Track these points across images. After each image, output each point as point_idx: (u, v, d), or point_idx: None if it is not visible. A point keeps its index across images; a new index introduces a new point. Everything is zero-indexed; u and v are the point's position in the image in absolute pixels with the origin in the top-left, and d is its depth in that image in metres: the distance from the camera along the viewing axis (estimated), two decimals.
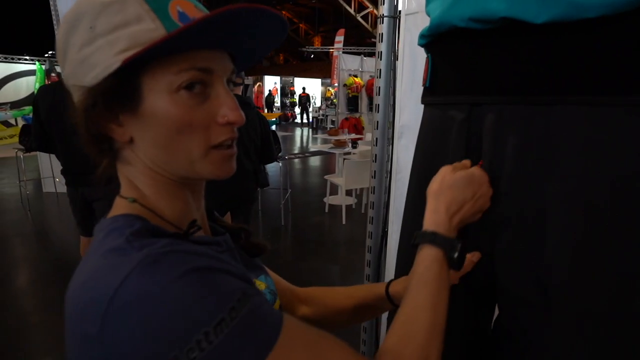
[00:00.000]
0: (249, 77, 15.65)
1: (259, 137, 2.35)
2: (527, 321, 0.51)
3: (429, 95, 0.64)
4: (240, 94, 2.31)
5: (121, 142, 0.41)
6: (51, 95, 1.97)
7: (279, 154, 4.10)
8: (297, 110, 16.36)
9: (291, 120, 16.14)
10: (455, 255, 0.47)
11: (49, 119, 1.95)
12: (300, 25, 23.57)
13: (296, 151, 8.96)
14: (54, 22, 3.54)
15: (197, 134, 0.39)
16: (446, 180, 0.51)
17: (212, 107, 0.40)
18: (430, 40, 0.60)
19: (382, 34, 0.90)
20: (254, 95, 14.01)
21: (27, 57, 11.03)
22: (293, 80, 17.28)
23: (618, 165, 0.44)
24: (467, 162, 0.54)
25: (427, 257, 0.47)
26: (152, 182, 0.42)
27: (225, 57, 0.41)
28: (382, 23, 0.89)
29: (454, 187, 0.50)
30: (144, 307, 0.30)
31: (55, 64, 11.81)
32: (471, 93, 0.53)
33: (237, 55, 0.43)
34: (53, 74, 11.31)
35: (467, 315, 0.61)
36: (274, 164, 4.96)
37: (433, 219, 0.50)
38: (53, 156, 4.66)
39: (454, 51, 0.55)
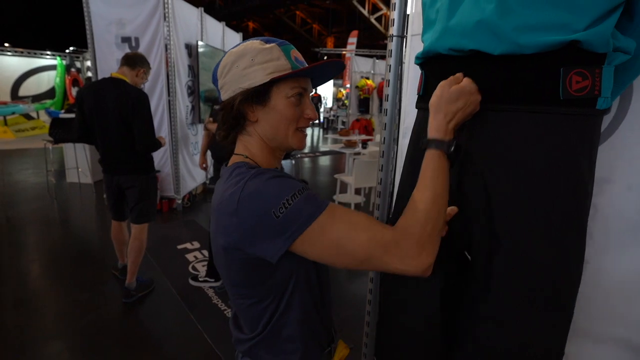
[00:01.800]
0: None
1: None
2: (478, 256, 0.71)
3: (421, 102, 0.83)
4: None
5: (250, 121, 0.71)
6: (95, 92, 2.18)
7: (292, 152, 4.30)
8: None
9: None
10: (452, 149, 0.65)
11: (92, 113, 2.17)
12: (314, 25, 23.74)
13: (307, 151, 9.14)
14: (86, 20, 3.79)
15: (292, 122, 0.70)
16: (444, 96, 0.66)
17: (302, 108, 0.71)
18: (423, 61, 0.79)
19: (391, 50, 1.08)
20: None
21: (49, 52, 11.36)
22: None
23: (559, 166, 0.63)
24: (459, 75, 0.68)
25: (430, 157, 0.65)
26: (259, 147, 0.72)
27: (309, 81, 0.73)
28: (392, 41, 1.07)
29: (450, 100, 0.66)
30: (255, 192, 0.61)
31: (76, 59, 12.14)
32: None
33: (314, 80, 0.76)
34: (73, 69, 11.65)
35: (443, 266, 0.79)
36: (287, 162, 5.17)
37: (435, 127, 0.67)
38: (78, 148, 4.91)
39: (439, 70, 0.74)
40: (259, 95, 0.68)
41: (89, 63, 11.38)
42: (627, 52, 0.63)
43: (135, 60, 2.28)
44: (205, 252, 3.17)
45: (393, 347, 0.92)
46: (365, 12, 18.70)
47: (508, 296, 0.69)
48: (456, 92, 0.65)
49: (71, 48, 12.54)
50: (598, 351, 0.87)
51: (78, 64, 12.15)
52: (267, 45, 0.68)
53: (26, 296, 2.48)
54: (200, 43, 4.45)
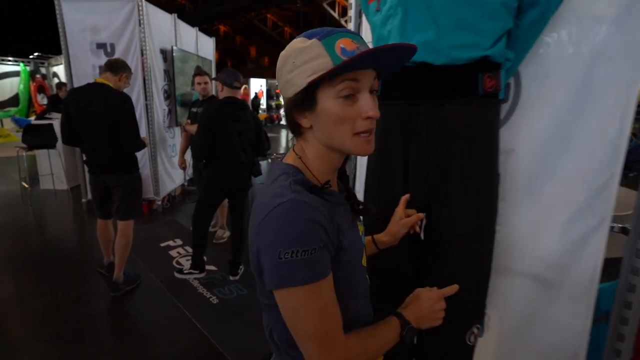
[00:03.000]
0: None
1: (253, 134, 2.73)
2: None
3: (380, 100, 1.07)
4: (238, 97, 2.68)
5: (305, 127, 0.66)
6: (81, 96, 2.31)
7: (268, 151, 4.49)
8: (282, 112, 16.73)
9: (277, 122, 16.48)
10: (409, 336, 0.72)
11: (78, 117, 2.30)
12: (285, 28, 23.90)
13: (282, 151, 9.32)
14: (59, 27, 3.85)
15: (348, 125, 0.62)
16: (435, 308, 0.76)
17: (358, 108, 0.62)
18: None
19: None
20: (240, 97, 14.26)
21: (11, 59, 10.99)
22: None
23: (481, 140, 0.89)
24: (435, 291, 0.78)
25: (393, 325, 0.72)
26: (315, 151, 0.67)
27: (369, 73, 0.62)
28: None
29: (434, 314, 0.76)
30: (278, 223, 0.58)
31: (40, 65, 11.76)
32: (406, 98, 0.96)
33: (380, 69, 0.65)
34: (38, 76, 11.30)
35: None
36: (265, 163, 5.33)
37: (412, 313, 0.74)
38: (52, 155, 4.89)
39: (394, 76, 0.98)
40: (305, 101, 0.62)
41: (55, 69, 11.12)
42: (511, 60, 0.91)
43: (117, 66, 2.42)
44: (189, 248, 3.31)
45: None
46: (335, 15, 19.06)
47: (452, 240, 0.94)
48: (428, 301, 0.76)
49: (35, 54, 12.15)
50: (513, 282, 1.14)
51: (43, 70, 11.80)
52: (308, 43, 0.61)
53: (9, 296, 2.55)
54: (175, 48, 4.57)
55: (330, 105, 0.61)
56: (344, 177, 0.78)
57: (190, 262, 2.89)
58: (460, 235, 0.95)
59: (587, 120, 0.97)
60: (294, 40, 0.64)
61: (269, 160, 4.67)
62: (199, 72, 3.44)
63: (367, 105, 0.62)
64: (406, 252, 1.02)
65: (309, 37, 0.61)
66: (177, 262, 3.08)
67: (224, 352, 2.02)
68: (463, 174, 0.92)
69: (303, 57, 0.61)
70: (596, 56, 0.94)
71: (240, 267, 2.90)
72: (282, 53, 0.65)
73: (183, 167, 3.70)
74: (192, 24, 5.54)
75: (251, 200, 4.66)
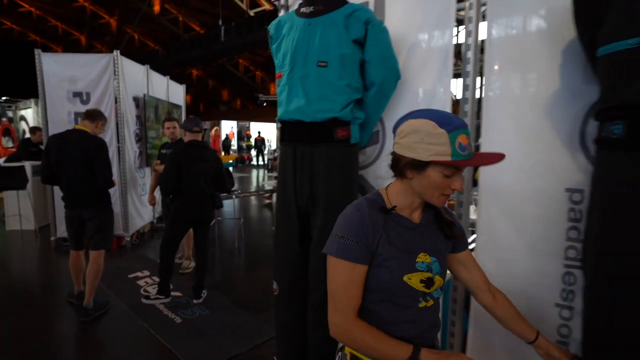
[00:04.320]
0: (207, 122, 16.41)
1: (215, 171, 3.14)
2: None
3: (281, 142, 1.55)
4: (199, 139, 3.12)
5: (407, 177, 0.89)
6: (63, 141, 2.68)
7: (232, 188, 4.90)
8: (253, 152, 17.27)
9: (248, 162, 16.94)
10: None
11: (59, 159, 2.65)
12: (257, 72, 25.12)
13: (252, 189, 9.69)
14: (38, 76, 4.23)
15: (439, 190, 0.86)
16: None
17: (451, 181, 0.86)
18: (280, 121, 1.52)
19: None
20: (211, 139, 14.69)
21: None
22: (249, 124, 18.31)
23: (338, 165, 1.36)
24: None
25: (405, 348, 0.85)
26: (402, 192, 0.93)
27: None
28: None
29: None
30: (346, 216, 0.92)
31: (7, 108, 11.85)
32: (293, 141, 1.45)
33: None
34: (4, 119, 11.35)
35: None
36: (232, 201, 5.71)
37: (425, 357, 0.83)
38: (21, 196, 5.04)
39: (285, 127, 1.47)
40: (419, 166, 0.85)
41: (22, 112, 11.25)
42: (360, 118, 1.42)
43: (95, 116, 2.83)
44: (156, 278, 3.55)
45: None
46: None
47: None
48: None
49: (4, 98, 12.24)
50: None
51: (10, 114, 11.86)
52: (438, 130, 0.82)
53: None
54: (146, 95, 5.02)
55: (435, 176, 0.85)
56: (441, 218, 0.99)
57: (156, 289, 3.14)
58: (328, 230, 1.41)
59: None
60: (428, 122, 0.84)
61: (234, 196, 5.05)
62: (168, 117, 3.88)
63: (458, 182, 0.86)
64: (297, 244, 1.48)
65: (440, 126, 0.82)
66: (145, 290, 3.32)
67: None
68: (325, 191, 1.40)
69: (432, 140, 0.83)
70: None
71: (204, 291, 3.18)
72: (414, 125, 0.86)
73: (152, 203, 4.02)
74: (164, 68, 6.03)
75: (217, 231, 4.98)
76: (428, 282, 0.92)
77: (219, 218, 5.64)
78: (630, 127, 0.92)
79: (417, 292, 0.92)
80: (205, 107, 28.21)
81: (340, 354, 1.00)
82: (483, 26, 1.39)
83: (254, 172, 14.00)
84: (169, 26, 19.24)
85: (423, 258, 0.93)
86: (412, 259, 0.91)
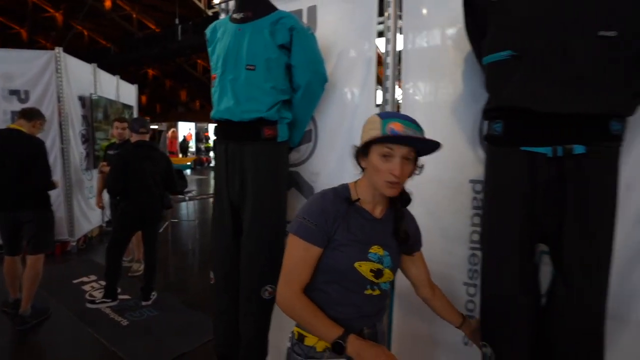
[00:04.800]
0: (163, 124, 15.90)
1: (163, 171, 3.12)
2: None
3: (216, 140, 1.63)
4: (147, 139, 3.09)
5: (363, 167, 1.00)
6: None
7: (187, 190, 4.85)
8: (212, 154, 16.96)
9: (206, 164, 16.58)
10: (333, 344, 0.91)
11: None
12: None
13: (210, 192, 9.54)
14: None
15: (381, 175, 0.93)
16: (371, 353, 0.89)
17: (390, 166, 0.92)
18: (214, 120, 1.59)
19: None
20: (167, 141, 14.26)
21: None
22: (207, 126, 17.95)
23: (265, 161, 1.47)
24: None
25: (336, 330, 0.92)
26: (365, 185, 1.00)
27: (403, 148, 0.92)
28: None
29: (370, 356, 0.89)
30: (309, 201, 1.04)
31: None
32: (225, 139, 1.53)
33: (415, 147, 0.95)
34: None
35: None
36: (186, 203, 5.63)
37: (351, 340, 0.90)
38: None
39: (218, 126, 1.55)
40: (363, 152, 0.96)
41: None
42: (288, 118, 1.53)
43: (32, 115, 2.72)
44: (102, 282, 3.44)
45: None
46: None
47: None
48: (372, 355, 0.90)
49: None
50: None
51: None
52: (375, 119, 0.94)
53: None
54: (94, 95, 4.84)
55: (375, 159, 0.94)
56: (398, 213, 1.06)
57: (103, 292, 3.07)
58: (256, 224, 1.52)
59: None
60: (374, 116, 0.96)
61: (187, 198, 5.00)
62: (118, 118, 3.79)
63: (394, 168, 0.91)
64: (230, 237, 1.58)
65: (380, 116, 0.94)
66: (90, 295, 3.21)
67: None
68: (253, 186, 1.50)
69: (370, 126, 0.94)
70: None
71: (153, 293, 3.15)
72: (366, 120, 0.98)
73: (100, 206, 3.89)
74: (117, 67, 5.82)
75: (172, 234, 4.88)
76: (377, 273, 1.00)
77: (174, 220, 5.54)
78: (506, 125, 1.09)
79: (366, 279, 0.99)
80: (162, 108, 27.22)
81: (291, 335, 1.08)
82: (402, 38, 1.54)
83: (212, 174, 13.75)
84: (121, 23, 18.39)
85: (376, 250, 1.00)
86: (366, 249, 0.99)
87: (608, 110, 0.98)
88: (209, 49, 1.65)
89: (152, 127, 10.23)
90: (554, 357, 1.07)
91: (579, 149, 0.98)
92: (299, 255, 0.97)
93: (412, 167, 0.97)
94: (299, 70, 1.50)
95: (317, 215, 0.96)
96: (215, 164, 1.63)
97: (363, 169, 1.00)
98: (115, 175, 2.88)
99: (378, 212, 1.03)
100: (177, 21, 15.88)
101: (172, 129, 15.52)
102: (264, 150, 1.51)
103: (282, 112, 1.54)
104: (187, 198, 4.90)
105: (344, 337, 0.90)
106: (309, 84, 1.51)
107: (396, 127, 0.90)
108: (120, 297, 3.13)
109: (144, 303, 3.07)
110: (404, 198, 1.05)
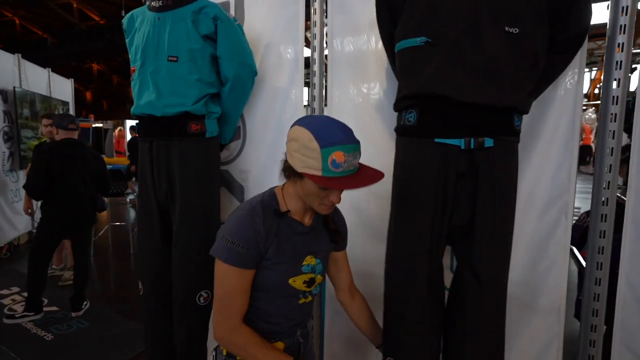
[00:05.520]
0: (108, 122, 14.96)
1: (94, 170, 2.90)
2: None
3: (139, 138, 1.52)
4: (75, 137, 2.85)
5: (292, 180, 0.91)
6: None
7: (126, 190, 4.58)
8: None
9: None
10: None
11: None
12: None
13: None
14: None
15: (317, 199, 0.88)
16: None
17: (328, 195, 0.87)
18: (134, 116, 1.48)
19: None
20: (114, 140, 13.42)
21: None
22: None
23: (193, 159, 1.39)
24: None
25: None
26: (294, 192, 0.93)
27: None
28: None
29: None
30: (235, 217, 0.92)
31: None
32: (148, 136, 1.42)
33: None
34: None
35: None
36: (127, 205, 5.31)
37: None
38: None
39: (141, 123, 1.44)
40: (296, 175, 0.87)
41: None
42: (216, 112, 1.46)
43: None
44: (26, 294, 3.15)
45: None
46: None
47: None
48: None
49: None
50: None
51: None
52: (313, 145, 0.81)
53: None
54: (18, 89, 4.41)
55: (310, 186, 0.86)
56: (327, 225, 1.03)
57: (24, 306, 2.79)
58: (186, 226, 1.45)
59: None
60: (306, 133, 0.83)
61: (128, 200, 4.72)
62: (46, 114, 3.47)
63: (335, 197, 0.88)
64: (159, 241, 1.49)
65: (316, 139, 0.81)
66: (9, 309, 2.92)
67: None
68: (182, 184, 1.42)
69: (305, 152, 0.82)
70: None
71: (85, 302, 2.92)
72: (295, 133, 0.85)
73: (29, 212, 3.55)
74: (56, 60, 5.35)
75: (111, 238, 4.57)
76: (310, 282, 0.98)
77: (117, 223, 5.20)
78: (420, 115, 1.05)
79: (299, 291, 0.97)
80: (109, 105, 25.62)
81: (215, 352, 1.03)
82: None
83: None
84: (60, 13, 17.01)
85: (309, 261, 0.97)
86: (299, 264, 0.96)
87: (514, 104, 1.00)
88: (127, 40, 1.54)
89: (97, 125, 9.56)
90: (463, 345, 1.08)
91: (488, 141, 0.99)
92: (233, 284, 0.89)
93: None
94: (226, 62, 1.43)
95: (247, 236, 0.88)
96: (140, 164, 1.51)
97: (291, 179, 0.93)
98: (36, 176, 2.62)
99: (308, 219, 0.99)
100: (122, 13, 14.95)
101: (119, 128, 14.62)
102: (191, 147, 1.43)
103: (210, 106, 1.46)
104: (127, 200, 4.61)
105: None
106: (237, 77, 1.45)
107: (338, 158, 0.81)
108: (47, 309, 2.88)
109: (74, 314, 2.84)
110: None
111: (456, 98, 0.97)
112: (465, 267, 1.07)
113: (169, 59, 1.37)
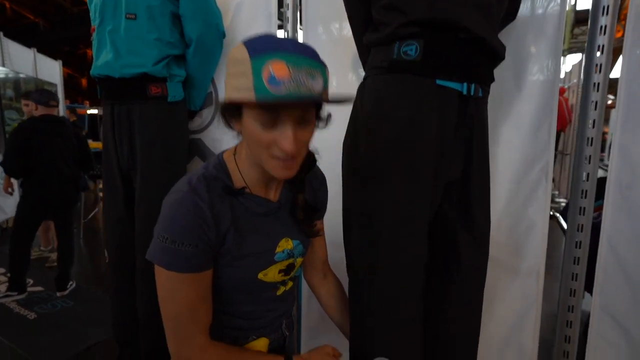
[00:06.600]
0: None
1: (75, 148, 2.83)
2: None
3: (102, 101, 1.44)
4: (55, 114, 2.77)
5: (236, 129, 0.65)
6: None
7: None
8: None
9: None
10: None
11: None
12: None
13: None
14: None
15: (264, 147, 0.60)
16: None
17: (275, 135, 0.59)
18: (95, 77, 1.40)
19: None
20: None
21: None
22: None
23: (154, 124, 1.31)
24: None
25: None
26: (247, 153, 0.68)
27: (296, 109, 0.58)
28: None
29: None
30: (169, 206, 0.64)
31: None
32: (109, 99, 1.35)
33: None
34: None
35: None
36: None
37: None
38: None
39: (101, 85, 1.36)
40: (232, 111, 0.62)
41: None
42: (180, 76, 1.38)
43: None
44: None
45: None
46: None
47: None
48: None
49: None
50: None
51: None
52: (241, 56, 0.56)
53: None
54: (0, 68, 4.30)
55: (250, 125, 0.59)
56: (298, 186, 0.75)
57: (7, 285, 2.76)
58: (147, 194, 1.38)
59: None
60: (240, 47, 0.58)
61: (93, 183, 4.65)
62: (24, 94, 3.38)
63: (285, 137, 0.58)
64: (122, 209, 1.44)
65: (247, 50, 0.56)
66: None
67: (29, 356, 2.06)
68: (143, 151, 1.35)
69: (234, 69, 0.58)
70: None
71: (70, 282, 2.89)
72: (231, 54, 0.61)
73: (9, 191, 3.49)
74: (49, 45, 5.22)
75: (88, 214, 4.52)
76: (288, 269, 0.77)
77: None
78: (425, 47, 0.82)
79: (275, 284, 0.77)
80: None
81: None
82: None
83: None
84: None
85: (284, 245, 0.74)
86: (270, 254, 0.73)
87: (501, 47, 0.89)
88: None
89: (92, 111, 9.39)
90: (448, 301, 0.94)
91: (479, 91, 0.87)
92: (188, 295, 0.65)
93: (311, 129, 0.64)
94: (188, 21, 1.35)
95: (192, 230, 0.62)
96: (102, 129, 1.45)
97: (239, 132, 0.66)
98: (13, 153, 2.56)
99: (273, 193, 0.74)
100: None
101: None
102: (152, 111, 1.36)
103: (173, 69, 1.38)
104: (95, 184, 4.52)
105: None
106: (201, 38, 1.37)
107: (278, 71, 0.54)
108: (33, 289, 2.85)
109: (59, 294, 2.81)
110: (306, 162, 0.73)
111: (472, 29, 0.80)
112: (456, 226, 0.91)
113: (127, 16, 1.29)
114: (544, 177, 1.14)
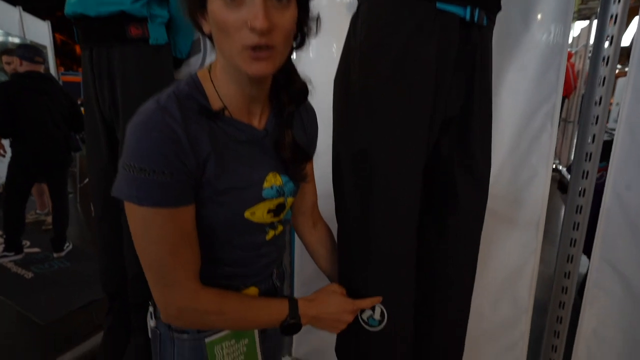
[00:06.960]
0: None
1: (65, 109, 2.74)
2: None
3: (80, 45, 1.35)
4: (42, 71, 2.66)
5: (205, 29, 0.55)
6: None
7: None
8: None
9: None
10: (286, 324, 0.64)
11: None
12: None
13: None
14: None
15: (232, 35, 0.50)
16: (341, 319, 0.69)
17: (244, 14, 0.48)
18: (69, 17, 1.30)
19: None
20: None
21: None
22: None
23: (135, 68, 1.22)
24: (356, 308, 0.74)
25: (279, 306, 0.65)
26: (221, 66, 0.57)
27: None
28: None
29: (328, 314, 0.70)
30: (135, 132, 0.51)
31: None
32: (88, 42, 1.25)
33: None
34: None
35: None
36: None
37: (304, 309, 0.66)
38: None
39: (77, 26, 1.26)
40: (195, 1, 0.53)
41: None
42: (162, 16, 1.27)
43: None
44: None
45: None
46: None
47: None
48: (344, 322, 0.72)
49: None
50: None
51: None
52: None
53: None
54: None
55: (216, 10, 0.50)
56: (286, 120, 0.66)
57: (3, 246, 2.76)
58: None
59: None
60: None
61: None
62: (5, 50, 3.23)
63: (252, 12, 0.48)
64: (106, 159, 1.36)
65: None
66: None
67: (29, 314, 2.07)
68: (124, 97, 1.26)
69: None
70: None
71: (67, 244, 2.88)
72: None
73: (1, 152, 3.43)
74: (41, 9, 4.99)
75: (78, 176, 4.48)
76: (278, 209, 0.67)
77: None
78: None
79: (264, 225, 0.67)
80: None
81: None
82: None
83: None
84: None
85: (272, 181, 0.65)
86: (257, 189, 0.63)
87: None
88: None
89: None
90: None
91: (485, 17, 0.77)
92: (168, 235, 0.54)
93: (291, 12, 0.53)
94: None
95: (163, 156, 0.51)
96: (82, 75, 1.36)
97: (210, 38, 0.57)
98: None
99: (258, 119, 0.64)
100: None
101: None
102: (133, 54, 1.26)
103: (154, 9, 1.28)
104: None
105: (294, 311, 0.65)
106: None
107: None
108: (29, 250, 2.85)
109: (55, 255, 2.81)
110: (295, 89, 0.65)
111: None
112: (454, 165, 0.85)
113: None
114: (549, 122, 1.08)
